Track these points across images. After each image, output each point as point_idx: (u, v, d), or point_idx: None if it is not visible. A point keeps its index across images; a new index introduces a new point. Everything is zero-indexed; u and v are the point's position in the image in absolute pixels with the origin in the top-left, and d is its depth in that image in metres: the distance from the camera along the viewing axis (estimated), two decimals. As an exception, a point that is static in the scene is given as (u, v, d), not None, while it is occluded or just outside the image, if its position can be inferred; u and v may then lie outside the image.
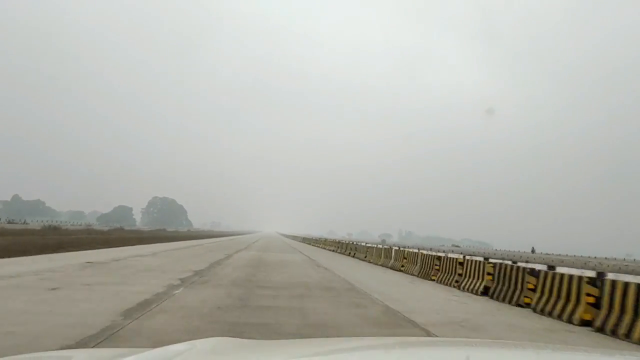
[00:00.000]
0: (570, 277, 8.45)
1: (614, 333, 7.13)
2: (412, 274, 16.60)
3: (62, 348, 4.83)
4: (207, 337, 1.61)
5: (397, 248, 20.00)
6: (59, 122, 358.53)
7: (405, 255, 18.39)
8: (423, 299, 10.67)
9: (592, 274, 17.73)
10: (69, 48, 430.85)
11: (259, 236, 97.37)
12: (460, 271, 13.00)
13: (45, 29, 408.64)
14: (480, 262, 11.91)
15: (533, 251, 69.55)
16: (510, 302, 10.03)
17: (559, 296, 8.55)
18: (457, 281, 12.95)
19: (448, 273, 13.86)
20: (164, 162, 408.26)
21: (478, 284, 11.61)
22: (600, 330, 7.37)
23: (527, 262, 29.12)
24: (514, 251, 70.37)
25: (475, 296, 11.28)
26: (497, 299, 10.54)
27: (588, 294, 7.79)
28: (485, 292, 11.17)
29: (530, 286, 9.55)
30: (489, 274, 11.29)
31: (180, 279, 11.30)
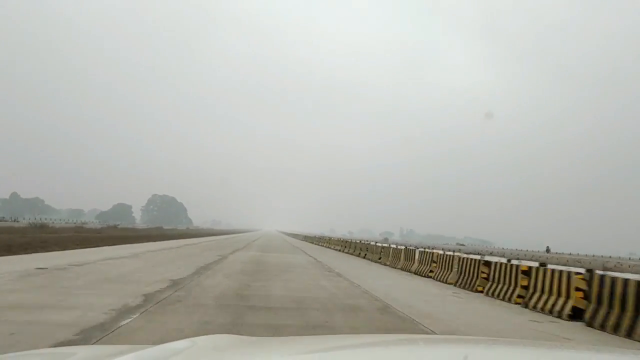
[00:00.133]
0: None
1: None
2: (447, 283, 13.37)
3: None
4: None
5: (422, 249, 16.71)
6: (58, 119, 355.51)
7: (435, 259, 15.14)
8: (496, 325, 7.41)
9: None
10: (68, 47, 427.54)
11: (259, 234, 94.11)
12: (524, 283, 9.75)
13: (43, 27, 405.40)
14: (561, 272, 8.63)
15: (548, 251, 66.31)
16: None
17: None
18: (520, 296, 9.71)
19: (503, 284, 10.61)
20: (164, 161, 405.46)
21: (561, 304, 8.35)
22: None
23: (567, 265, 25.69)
24: (528, 251, 67.57)
25: (563, 322, 8.02)
26: (604, 328, 7.26)
27: None
28: (577, 315, 7.91)
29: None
30: (579, 289, 8.03)
31: (144, 295, 8.07)
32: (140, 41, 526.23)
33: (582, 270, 8.64)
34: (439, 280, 14.00)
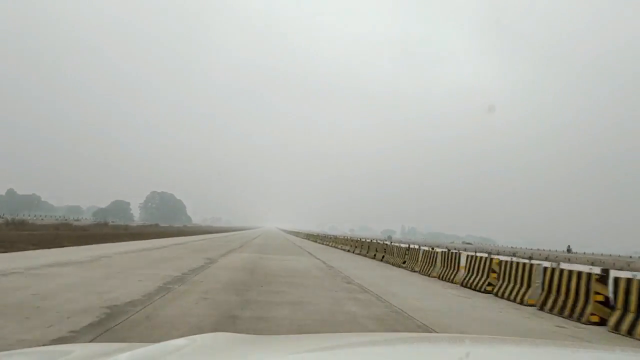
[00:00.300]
0: None
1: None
2: (523, 303, 9.36)
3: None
4: None
5: (472, 254, 12.66)
6: (56, 116, 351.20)
7: (494, 267, 11.12)
8: None
9: None
10: (67, 45, 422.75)
11: (259, 232, 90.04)
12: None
13: (41, 26, 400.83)
14: None
15: (569, 250, 62.10)
16: None
17: None
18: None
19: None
20: (164, 158, 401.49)
21: None
22: None
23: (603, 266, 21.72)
24: (549, 250, 63.10)
25: None
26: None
27: None
28: None
29: None
30: None
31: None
32: (139, 38, 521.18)
33: None
34: (510, 299, 9.97)
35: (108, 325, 5.47)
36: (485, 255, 13.54)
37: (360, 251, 26.98)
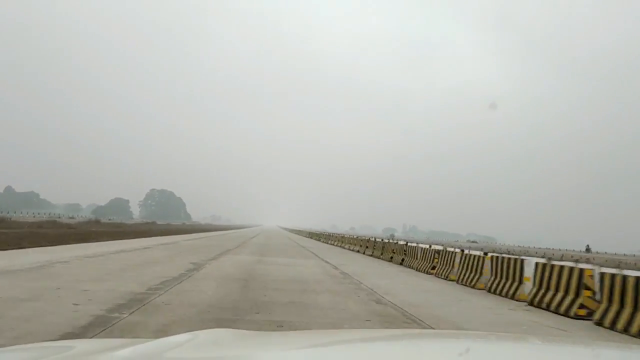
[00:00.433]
0: None
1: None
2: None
3: None
4: None
5: (544, 262, 9.34)
6: (55, 113, 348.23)
7: (587, 281, 7.87)
8: None
9: None
10: (65, 41, 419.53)
11: (259, 230, 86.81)
12: None
13: (38, 22, 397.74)
14: None
15: (588, 250, 58.77)
16: None
17: None
18: None
19: None
20: (164, 156, 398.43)
21: None
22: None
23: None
24: (567, 250, 59.80)
25: None
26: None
27: None
28: None
29: None
30: None
31: None
32: (137, 35, 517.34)
33: None
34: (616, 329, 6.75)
35: None
36: (544, 261, 10.28)
37: (373, 252, 23.74)
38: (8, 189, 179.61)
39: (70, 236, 24.38)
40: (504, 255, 11.87)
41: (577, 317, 7.78)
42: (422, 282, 12.75)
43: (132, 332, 5.10)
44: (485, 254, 12.40)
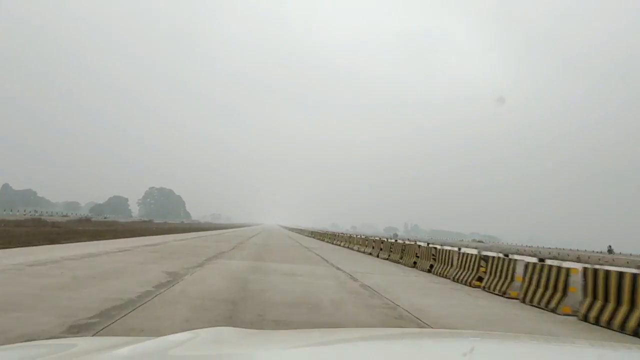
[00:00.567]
0: None
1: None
2: None
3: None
4: None
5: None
6: (54, 111, 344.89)
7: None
8: None
9: None
10: (63, 38, 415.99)
11: (259, 229, 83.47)
12: None
13: (35, 19, 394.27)
14: None
15: (610, 251, 55.12)
16: None
17: None
18: None
19: None
20: (164, 154, 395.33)
21: None
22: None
23: None
24: (588, 251, 56.19)
25: None
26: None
27: None
28: None
29: None
30: None
31: None
32: (136, 31, 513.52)
33: None
34: None
35: None
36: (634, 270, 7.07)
37: (389, 256, 20.48)
38: (5, 186, 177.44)
39: (41, 236, 21.23)
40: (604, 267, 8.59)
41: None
42: (479, 302, 9.40)
43: None
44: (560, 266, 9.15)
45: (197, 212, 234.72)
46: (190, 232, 44.54)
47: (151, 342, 1.27)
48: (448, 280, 12.90)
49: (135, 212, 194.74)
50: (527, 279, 9.46)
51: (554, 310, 8.34)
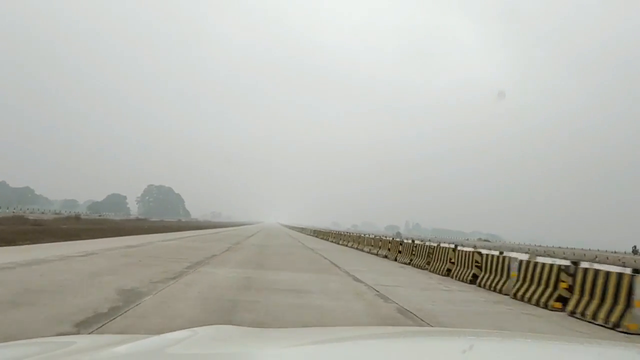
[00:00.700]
0: None
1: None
2: None
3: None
4: None
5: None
6: (53, 109, 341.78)
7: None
8: None
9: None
10: (61, 37, 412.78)
11: (259, 228, 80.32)
12: None
13: (33, 19, 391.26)
14: None
15: (635, 252, 51.63)
16: None
17: None
18: None
19: None
20: (164, 151, 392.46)
21: None
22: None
23: None
24: (611, 253, 52.78)
25: None
26: None
27: None
28: None
29: None
30: None
31: None
32: (134, 31, 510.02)
33: None
34: None
35: None
36: None
37: (411, 260, 17.25)
38: (2, 184, 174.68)
39: (26, 235, 18.18)
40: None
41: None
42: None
43: None
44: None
45: (197, 211, 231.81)
46: (184, 230, 41.60)
47: (149, 340, 1.26)
48: (507, 298, 9.66)
49: (134, 210, 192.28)
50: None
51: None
